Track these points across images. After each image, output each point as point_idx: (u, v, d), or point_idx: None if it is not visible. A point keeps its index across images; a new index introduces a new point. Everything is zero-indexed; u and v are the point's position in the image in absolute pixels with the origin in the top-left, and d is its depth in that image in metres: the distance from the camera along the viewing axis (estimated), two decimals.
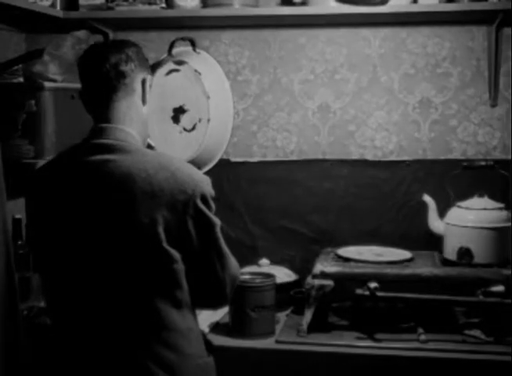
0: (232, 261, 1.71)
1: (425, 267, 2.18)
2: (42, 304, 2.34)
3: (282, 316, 2.33)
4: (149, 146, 1.93)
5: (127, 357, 1.59)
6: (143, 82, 1.74)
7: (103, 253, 1.59)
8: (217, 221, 1.66)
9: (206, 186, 1.65)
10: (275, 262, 2.55)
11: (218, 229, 1.66)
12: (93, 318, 1.62)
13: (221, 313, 2.37)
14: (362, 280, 2.15)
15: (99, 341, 1.61)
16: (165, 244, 1.57)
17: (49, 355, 1.73)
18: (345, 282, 2.20)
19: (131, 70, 1.69)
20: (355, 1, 2.37)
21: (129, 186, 1.57)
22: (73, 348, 1.65)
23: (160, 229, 1.56)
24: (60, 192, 1.65)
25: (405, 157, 2.60)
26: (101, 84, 1.69)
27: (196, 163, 2.40)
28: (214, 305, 1.82)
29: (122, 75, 1.68)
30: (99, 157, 1.62)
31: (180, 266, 1.60)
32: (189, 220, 1.59)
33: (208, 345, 1.78)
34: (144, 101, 1.75)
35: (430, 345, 2.05)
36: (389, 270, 2.16)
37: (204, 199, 1.62)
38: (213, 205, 1.65)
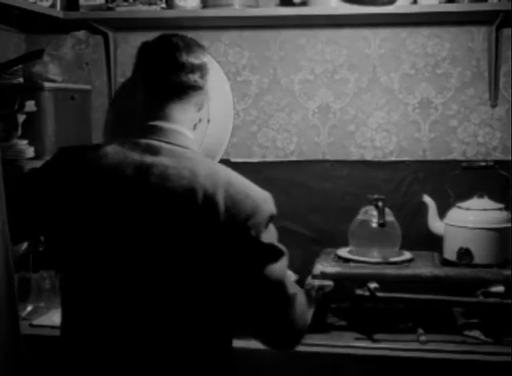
0: None
1: (425, 267, 2.18)
2: (42, 305, 2.35)
3: None
4: None
5: None
6: None
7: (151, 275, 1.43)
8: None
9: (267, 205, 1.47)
10: None
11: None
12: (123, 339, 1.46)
13: None
14: (362, 280, 2.15)
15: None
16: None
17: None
18: (345, 282, 2.20)
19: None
20: (362, 1, 2.37)
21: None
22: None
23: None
24: (106, 195, 1.46)
25: (405, 158, 2.60)
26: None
27: None
28: None
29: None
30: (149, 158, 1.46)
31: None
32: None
33: None
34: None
35: (430, 346, 2.05)
36: (389, 271, 2.16)
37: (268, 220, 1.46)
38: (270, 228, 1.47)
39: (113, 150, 1.48)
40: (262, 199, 1.46)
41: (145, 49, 1.59)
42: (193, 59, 1.54)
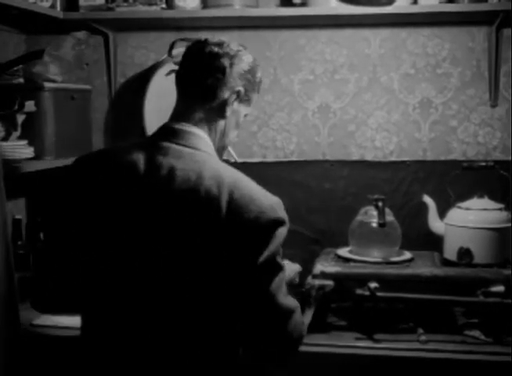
0: None
1: (425, 267, 2.18)
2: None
3: None
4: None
5: None
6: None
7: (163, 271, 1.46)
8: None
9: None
10: None
11: None
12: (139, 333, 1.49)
13: None
14: (362, 280, 2.15)
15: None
16: None
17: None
18: (345, 282, 2.20)
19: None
20: (361, 1, 2.37)
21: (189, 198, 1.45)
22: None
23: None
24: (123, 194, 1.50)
25: (406, 158, 2.60)
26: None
27: None
28: None
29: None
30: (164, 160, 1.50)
31: None
32: None
33: None
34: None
35: (430, 346, 2.05)
36: (389, 270, 2.16)
37: None
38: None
39: (126, 152, 1.53)
40: (268, 205, 1.45)
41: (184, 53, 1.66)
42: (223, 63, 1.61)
